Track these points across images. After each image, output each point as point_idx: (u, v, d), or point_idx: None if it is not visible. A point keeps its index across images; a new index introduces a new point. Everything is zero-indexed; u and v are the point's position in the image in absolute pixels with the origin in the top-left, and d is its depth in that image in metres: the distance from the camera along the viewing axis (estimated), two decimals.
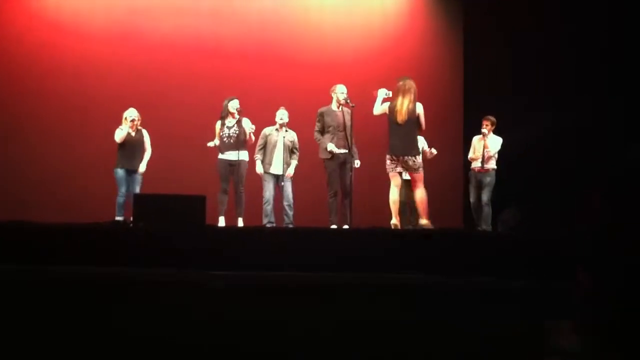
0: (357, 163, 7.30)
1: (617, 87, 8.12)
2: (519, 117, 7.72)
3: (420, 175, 6.40)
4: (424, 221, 6.45)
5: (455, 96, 9.69)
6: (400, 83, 6.39)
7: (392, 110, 6.33)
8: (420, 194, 6.41)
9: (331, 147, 7.09)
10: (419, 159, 6.43)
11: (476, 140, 7.74)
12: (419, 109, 6.38)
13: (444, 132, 8.80)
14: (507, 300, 3.41)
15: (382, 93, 6.55)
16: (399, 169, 6.39)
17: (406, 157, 6.30)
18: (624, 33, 8.19)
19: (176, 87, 8.96)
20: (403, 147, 6.29)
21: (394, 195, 6.47)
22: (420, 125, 6.40)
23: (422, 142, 7.79)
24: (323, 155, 7.23)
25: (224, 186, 7.39)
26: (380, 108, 6.54)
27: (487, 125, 7.61)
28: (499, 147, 7.64)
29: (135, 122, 7.36)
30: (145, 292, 3.85)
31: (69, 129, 8.66)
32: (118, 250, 5.01)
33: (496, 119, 7.67)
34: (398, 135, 6.28)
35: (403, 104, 6.28)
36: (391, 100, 6.42)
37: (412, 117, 6.29)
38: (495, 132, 7.71)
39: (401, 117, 6.28)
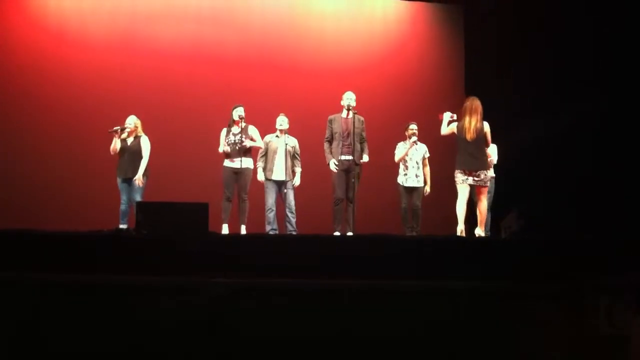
0: (365, 157, 7.31)
1: (618, 90, 8.14)
2: (521, 122, 7.73)
3: (487, 188, 6.78)
4: (479, 230, 6.74)
5: (456, 102, 9.71)
6: (467, 103, 6.76)
7: (461, 129, 6.69)
8: (483, 205, 6.76)
9: (332, 166, 7.26)
10: (489, 173, 6.80)
11: None
12: (486, 127, 6.74)
13: (446, 139, 8.80)
14: (511, 304, 3.41)
15: (447, 116, 6.95)
16: (469, 181, 6.69)
17: (479, 172, 6.66)
18: (625, 36, 8.21)
19: (178, 94, 9.00)
20: (475, 163, 6.65)
21: (462, 205, 6.77)
22: (486, 142, 6.76)
23: (423, 149, 7.82)
24: (328, 161, 7.35)
25: (227, 194, 7.38)
26: (447, 128, 6.93)
27: None
28: (496, 155, 7.75)
29: (119, 132, 7.25)
30: (148, 298, 3.85)
31: (71, 136, 8.69)
32: (121, 257, 5.01)
33: (498, 123, 7.71)
34: (468, 152, 6.66)
35: (471, 123, 6.64)
36: (459, 120, 6.78)
37: (480, 135, 6.67)
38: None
39: (470, 135, 6.64)
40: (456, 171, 6.76)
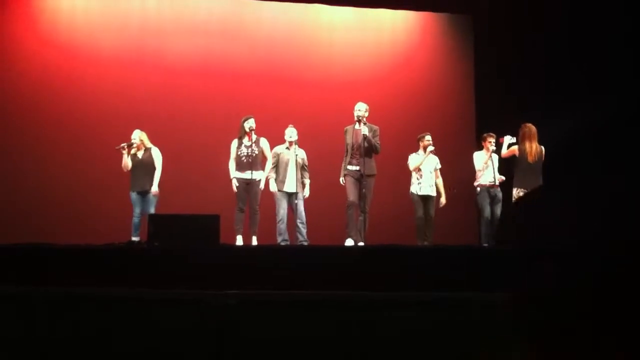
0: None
1: (627, 97, 8.10)
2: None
3: None
4: None
5: (467, 112, 9.72)
6: (526, 130, 7.43)
7: (523, 152, 7.37)
8: None
9: (342, 180, 7.38)
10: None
11: (482, 154, 7.82)
12: (543, 150, 7.43)
13: (457, 148, 8.81)
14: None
15: (508, 139, 7.54)
16: None
17: None
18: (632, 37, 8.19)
19: (188, 107, 9.04)
20: (536, 182, 7.21)
21: None
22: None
23: (435, 160, 7.81)
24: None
25: (240, 205, 7.40)
26: (507, 151, 7.52)
27: (493, 142, 7.76)
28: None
29: (127, 148, 7.32)
30: (159, 311, 3.85)
31: (82, 150, 8.73)
32: (134, 270, 5.03)
33: (509, 133, 7.74)
34: (530, 172, 7.30)
35: (532, 147, 7.35)
36: (519, 143, 7.41)
37: (540, 157, 7.39)
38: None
39: (532, 157, 7.34)
40: (517, 189, 7.25)
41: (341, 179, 7.41)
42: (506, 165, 7.80)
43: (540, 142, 7.49)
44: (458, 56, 9.94)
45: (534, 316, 1.11)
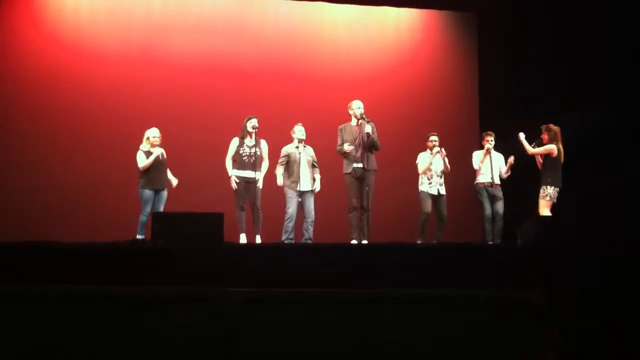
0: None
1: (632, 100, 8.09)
2: (534, 129, 7.70)
3: None
4: None
5: (470, 110, 9.71)
6: (557, 130, 7.48)
7: (559, 152, 7.46)
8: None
9: (348, 147, 7.30)
10: None
11: (481, 155, 7.83)
12: None
13: (461, 146, 8.79)
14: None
15: (523, 136, 7.55)
16: (555, 197, 7.37)
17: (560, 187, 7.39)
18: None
19: (193, 105, 9.05)
20: (562, 181, 7.40)
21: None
22: None
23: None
24: (344, 170, 7.39)
25: (240, 204, 7.41)
26: (543, 149, 7.48)
27: (491, 140, 7.82)
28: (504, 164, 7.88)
29: (157, 144, 7.39)
30: (163, 309, 3.86)
31: (88, 149, 8.75)
32: (138, 268, 5.04)
33: (512, 131, 7.72)
34: (560, 171, 7.42)
35: (562, 148, 7.45)
36: (553, 143, 7.43)
37: None
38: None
39: (562, 158, 7.45)
40: (552, 188, 7.29)
41: (347, 145, 7.31)
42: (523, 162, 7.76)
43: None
44: (462, 54, 9.93)
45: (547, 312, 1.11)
